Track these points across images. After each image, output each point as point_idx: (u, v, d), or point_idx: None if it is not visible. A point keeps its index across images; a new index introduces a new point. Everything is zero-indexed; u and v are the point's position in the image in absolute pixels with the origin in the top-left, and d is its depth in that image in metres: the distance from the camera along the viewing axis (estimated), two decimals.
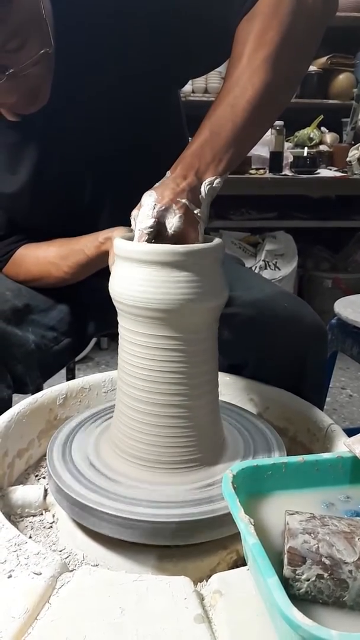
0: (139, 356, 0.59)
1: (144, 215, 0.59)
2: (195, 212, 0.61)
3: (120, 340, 0.62)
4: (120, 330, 0.61)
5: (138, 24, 0.73)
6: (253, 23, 0.67)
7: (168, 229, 0.59)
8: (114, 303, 0.61)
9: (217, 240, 0.62)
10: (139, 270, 0.57)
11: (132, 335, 0.59)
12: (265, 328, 0.80)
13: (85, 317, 1.00)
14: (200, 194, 0.63)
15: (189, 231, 0.60)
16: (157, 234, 0.59)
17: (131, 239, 0.61)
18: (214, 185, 0.64)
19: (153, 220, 0.58)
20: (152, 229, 0.58)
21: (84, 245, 0.82)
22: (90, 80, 0.77)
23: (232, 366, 0.85)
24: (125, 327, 0.60)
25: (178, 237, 0.59)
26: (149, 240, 0.58)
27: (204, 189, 0.63)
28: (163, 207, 0.59)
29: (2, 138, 0.83)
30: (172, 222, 0.58)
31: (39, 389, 0.86)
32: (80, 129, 0.79)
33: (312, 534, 0.40)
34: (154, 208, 0.58)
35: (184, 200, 0.60)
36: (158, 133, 0.83)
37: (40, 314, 0.90)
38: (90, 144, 0.80)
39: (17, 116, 0.78)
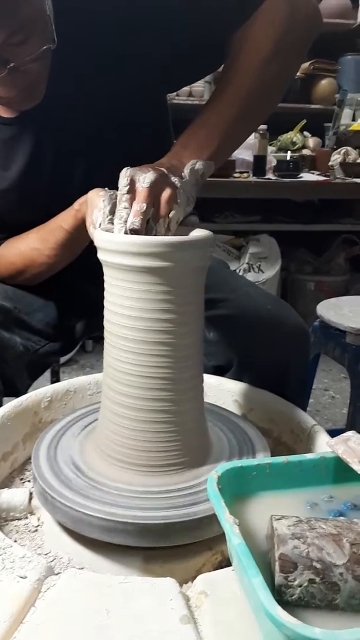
0: (126, 314, 0.58)
1: (121, 176, 0.60)
2: (173, 179, 0.62)
3: (105, 304, 0.61)
4: (106, 278, 0.60)
5: (139, 30, 0.74)
6: (249, 31, 0.71)
7: (142, 182, 0.59)
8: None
9: (206, 233, 0.61)
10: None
11: (119, 283, 0.58)
12: (249, 330, 0.81)
13: (73, 318, 1.00)
14: (182, 172, 0.65)
15: (163, 187, 0.60)
16: (134, 195, 0.59)
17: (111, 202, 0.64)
18: (195, 167, 0.65)
19: (127, 178, 0.59)
20: (127, 187, 0.59)
21: (61, 221, 0.81)
22: (86, 79, 0.77)
23: (216, 368, 0.86)
24: (111, 275, 0.59)
25: (153, 192, 0.59)
26: (128, 201, 0.59)
27: (186, 169, 0.65)
28: (138, 169, 0.60)
29: None
30: (146, 175, 0.59)
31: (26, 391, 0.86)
32: (74, 126, 0.79)
33: (301, 539, 0.40)
34: (129, 168, 0.60)
35: (161, 169, 0.62)
36: (149, 132, 0.84)
37: (28, 316, 0.90)
38: (83, 141, 0.81)
39: (13, 112, 0.78)
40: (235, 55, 0.72)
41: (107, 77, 0.77)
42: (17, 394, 0.83)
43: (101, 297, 0.62)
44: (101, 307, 0.62)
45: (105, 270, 0.60)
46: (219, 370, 0.86)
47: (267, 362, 0.81)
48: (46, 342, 0.93)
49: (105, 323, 0.61)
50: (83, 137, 0.80)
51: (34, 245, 0.85)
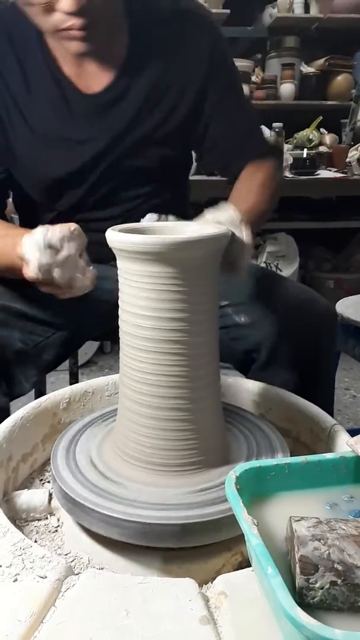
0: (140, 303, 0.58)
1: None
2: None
3: (120, 289, 0.61)
4: (120, 279, 0.61)
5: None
6: (255, 175, 0.94)
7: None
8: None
9: (218, 229, 0.60)
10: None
11: (132, 284, 0.58)
12: (281, 309, 0.83)
13: (80, 309, 0.97)
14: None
15: None
16: None
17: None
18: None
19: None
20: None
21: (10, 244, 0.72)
22: (153, 79, 0.89)
23: (246, 353, 0.86)
24: (125, 277, 0.60)
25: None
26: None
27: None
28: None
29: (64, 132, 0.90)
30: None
31: (41, 386, 0.86)
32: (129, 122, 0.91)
33: (321, 540, 0.39)
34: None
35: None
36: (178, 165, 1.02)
37: (26, 307, 0.87)
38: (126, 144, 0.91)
39: (81, 47, 0.77)
40: (239, 187, 0.93)
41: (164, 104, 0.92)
42: (25, 391, 0.84)
43: (116, 296, 0.62)
44: (116, 306, 0.62)
45: (119, 270, 0.60)
46: (249, 356, 0.86)
47: (299, 343, 0.82)
48: (51, 333, 0.90)
49: (120, 323, 0.61)
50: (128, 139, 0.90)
51: None
